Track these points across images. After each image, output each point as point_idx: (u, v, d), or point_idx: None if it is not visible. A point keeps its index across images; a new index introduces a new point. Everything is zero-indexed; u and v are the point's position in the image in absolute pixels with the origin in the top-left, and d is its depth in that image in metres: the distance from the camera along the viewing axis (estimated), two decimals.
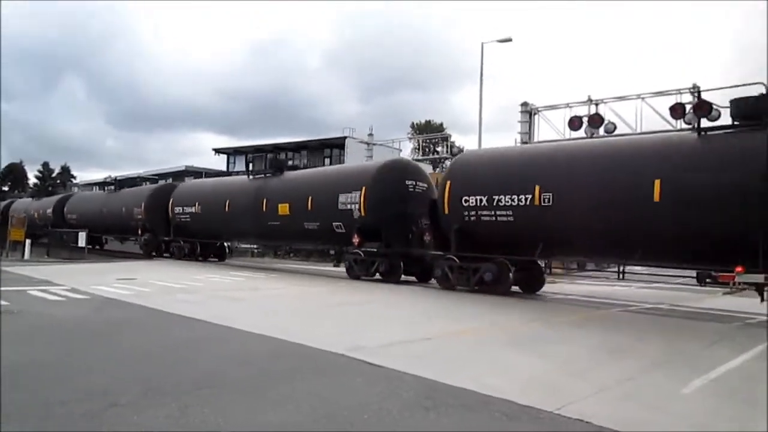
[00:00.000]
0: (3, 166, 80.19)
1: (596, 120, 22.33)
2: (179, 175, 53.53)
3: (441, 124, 65.21)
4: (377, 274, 19.40)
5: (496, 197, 15.70)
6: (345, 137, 48.55)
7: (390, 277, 19.08)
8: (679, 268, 15.90)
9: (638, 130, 21.59)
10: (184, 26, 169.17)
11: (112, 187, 35.64)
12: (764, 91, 14.95)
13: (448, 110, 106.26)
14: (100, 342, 8.29)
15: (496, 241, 15.99)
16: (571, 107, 23.24)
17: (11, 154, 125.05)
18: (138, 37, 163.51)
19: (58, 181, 76.79)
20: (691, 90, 20.53)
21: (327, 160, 49.43)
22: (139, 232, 29.73)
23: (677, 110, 20.65)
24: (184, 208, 28.03)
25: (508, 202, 15.52)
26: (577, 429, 4.99)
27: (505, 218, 15.62)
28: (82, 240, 29.79)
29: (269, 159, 29.27)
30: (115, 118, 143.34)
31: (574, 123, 22.83)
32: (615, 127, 22.20)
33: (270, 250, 37.13)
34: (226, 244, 30.47)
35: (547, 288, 18.36)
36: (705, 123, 19.36)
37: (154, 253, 29.25)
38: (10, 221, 29.85)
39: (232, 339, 8.67)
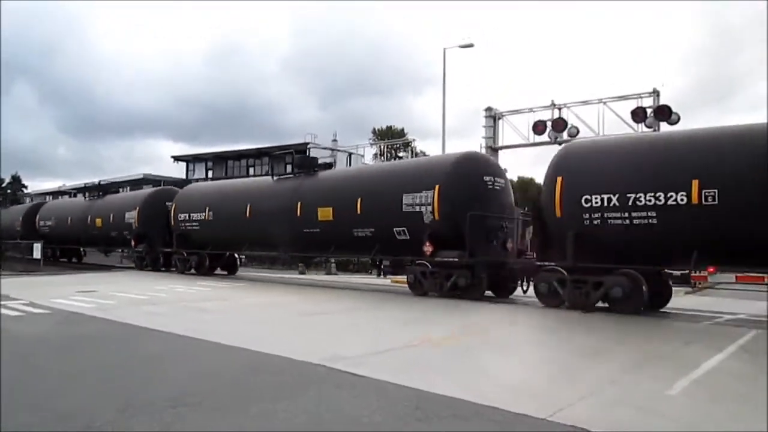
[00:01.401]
0: None
1: (560, 124, 22.73)
2: (137, 183, 52.34)
3: (402, 130, 65.43)
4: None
5: (199, 215, 24.49)
6: (307, 143, 48.24)
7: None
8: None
9: (601, 134, 21.96)
10: (138, 31, 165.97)
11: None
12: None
13: (408, 116, 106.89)
14: (65, 359, 7.88)
15: (209, 242, 24.40)
16: (534, 111, 23.58)
17: None
18: (89, 42, 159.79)
19: (9, 191, 74.21)
20: (652, 94, 21.04)
21: (289, 167, 48.98)
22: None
23: (638, 114, 21.24)
24: (46, 221, 35.88)
25: (219, 215, 23.82)
26: None
27: (215, 227, 23.91)
28: (37, 251, 28.79)
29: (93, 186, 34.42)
30: (68, 126, 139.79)
31: (539, 127, 23.22)
32: (578, 131, 22.59)
33: None
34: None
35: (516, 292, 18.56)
36: (665, 128, 19.89)
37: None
38: None
39: (205, 352, 8.37)
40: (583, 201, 13.34)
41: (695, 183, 11.77)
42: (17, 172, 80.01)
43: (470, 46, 31.03)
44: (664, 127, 20.16)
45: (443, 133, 30.61)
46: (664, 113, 20.26)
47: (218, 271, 25.97)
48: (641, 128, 20.86)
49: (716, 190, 11.60)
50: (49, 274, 25.84)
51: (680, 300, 18.17)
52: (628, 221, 12.78)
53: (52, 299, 14.12)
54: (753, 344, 9.77)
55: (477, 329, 10.98)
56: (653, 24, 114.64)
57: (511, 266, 16.24)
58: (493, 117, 25.13)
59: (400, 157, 50.86)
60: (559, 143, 22.84)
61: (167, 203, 26.68)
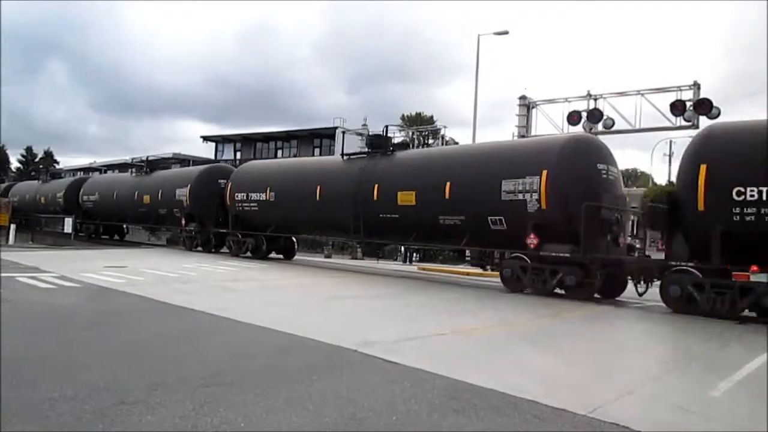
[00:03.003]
0: None
1: (595, 115, 22.19)
2: (167, 162, 52.76)
3: (431, 117, 64.76)
4: None
5: (93, 197, 35.26)
6: (335, 127, 48.12)
7: None
8: None
9: (637, 126, 21.46)
10: (170, 11, 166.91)
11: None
12: None
13: (437, 104, 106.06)
14: (98, 333, 7.89)
15: (101, 215, 34.75)
16: (569, 101, 23.04)
17: None
18: (122, 21, 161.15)
19: (41, 166, 75.35)
20: (692, 86, 20.42)
21: (317, 150, 48.95)
22: None
23: (677, 107, 20.62)
24: (13, 198, 43.44)
25: (104, 197, 34.41)
26: None
27: (102, 205, 34.29)
28: (68, 226, 29.23)
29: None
30: (99, 104, 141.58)
31: (573, 118, 22.67)
32: (614, 123, 22.03)
33: None
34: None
35: None
36: (705, 121, 19.34)
37: None
38: None
39: (236, 332, 8.34)
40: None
41: (268, 188, 22.72)
42: (50, 147, 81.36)
43: (505, 33, 30.61)
44: (704, 121, 19.56)
45: (474, 120, 30.33)
46: (705, 107, 19.63)
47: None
48: (680, 122, 20.30)
49: (275, 193, 22.36)
50: (79, 248, 26.22)
51: None
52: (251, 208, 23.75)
53: (82, 273, 14.26)
54: None
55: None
56: (693, 14, 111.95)
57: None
58: (527, 106, 24.63)
59: (429, 145, 50.47)
60: (594, 134, 22.40)
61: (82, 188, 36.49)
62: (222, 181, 25.85)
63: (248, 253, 23.96)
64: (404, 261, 30.57)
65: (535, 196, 14.83)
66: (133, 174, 33.30)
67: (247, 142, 54.76)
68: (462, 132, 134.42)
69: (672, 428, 4.98)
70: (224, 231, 24.92)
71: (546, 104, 24.49)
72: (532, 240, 14.81)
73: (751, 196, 11.42)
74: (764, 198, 11.30)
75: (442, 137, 41.23)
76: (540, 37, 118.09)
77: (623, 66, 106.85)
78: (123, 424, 4.37)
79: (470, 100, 58.81)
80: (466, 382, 5.96)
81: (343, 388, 5.62)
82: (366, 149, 21.55)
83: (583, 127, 22.36)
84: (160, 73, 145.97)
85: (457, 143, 34.70)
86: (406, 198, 17.73)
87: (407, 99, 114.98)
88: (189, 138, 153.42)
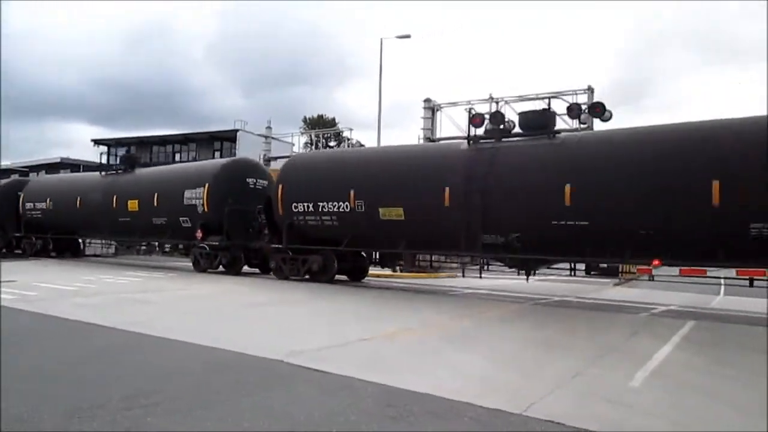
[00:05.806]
0: None
1: (497, 118, 22.84)
2: (54, 167, 49.73)
3: (333, 119, 64.84)
4: None
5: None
6: (236, 130, 47.11)
7: None
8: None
9: None
10: (54, 9, 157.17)
11: None
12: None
13: (338, 106, 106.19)
14: None
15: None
16: (472, 105, 23.62)
17: None
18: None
19: None
20: (587, 91, 21.52)
21: (217, 154, 47.66)
22: None
23: (573, 110, 21.60)
24: None
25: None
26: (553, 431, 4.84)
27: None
28: None
29: None
30: None
31: (476, 120, 23.22)
32: (514, 125, 22.80)
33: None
34: None
35: (456, 282, 18.79)
36: (599, 124, 20.36)
37: None
38: None
39: (153, 348, 7.85)
40: None
41: (48, 198, 27.82)
42: None
43: (407, 37, 31.09)
44: (598, 124, 20.62)
45: (378, 123, 30.59)
46: (598, 110, 20.68)
47: None
48: (576, 124, 21.30)
49: (53, 202, 27.53)
50: None
51: (612, 291, 18.79)
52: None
53: None
54: (695, 335, 10.14)
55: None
56: (588, 23, 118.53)
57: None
58: (432, 109, 25.11)
59: (331, 146, 50.32)
60: (494, 136, 23.08)
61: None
62: (20, 192, 29.43)
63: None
64: None
65: (200, 201, 20.87)
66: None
67: (143, 146, 52.52)
68: (366, 134, 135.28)
69: (602, 420, 5.14)
70: (19, 235, 29.11)
71: (450, 107, 25.04)
72: (199, 234, 20.76)
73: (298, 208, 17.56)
74: (304, 209, 17.51)
75: (347, 140, 41.39)
76: (442, 40, 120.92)
77: (523, 71, 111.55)
78: None
79: (372, 103, 59.82)
80: (398, 388, 5.91)
81: (276, 402, 5.42)
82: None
83: (486, 130, 23.00)
84: (44, 72, 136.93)
85: (362, 145, 34.82)
86: (133, 205, 23.63)
87: (308, 101, 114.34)
88: (75, 141, 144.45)
